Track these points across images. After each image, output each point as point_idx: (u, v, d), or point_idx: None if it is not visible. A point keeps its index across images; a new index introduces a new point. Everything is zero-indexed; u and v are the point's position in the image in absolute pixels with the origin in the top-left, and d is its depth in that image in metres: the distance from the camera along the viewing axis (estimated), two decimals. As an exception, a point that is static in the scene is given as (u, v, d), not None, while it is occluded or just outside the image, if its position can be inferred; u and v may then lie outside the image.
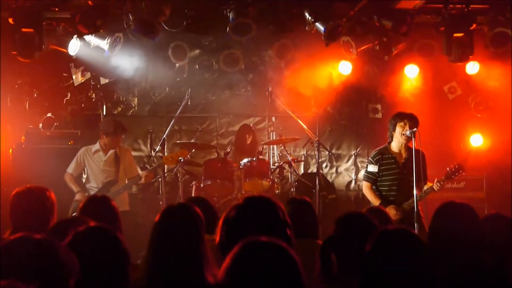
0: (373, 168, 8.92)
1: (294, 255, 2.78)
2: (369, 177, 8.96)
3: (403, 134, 8.58)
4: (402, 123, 8.64)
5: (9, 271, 2.81)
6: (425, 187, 8.59)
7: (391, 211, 8.44)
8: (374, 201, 8.81)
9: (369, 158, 9.11)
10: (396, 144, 8.81)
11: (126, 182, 10.33)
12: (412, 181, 8.34)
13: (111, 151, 10.17)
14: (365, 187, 9.06)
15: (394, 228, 3.54)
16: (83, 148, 10.32)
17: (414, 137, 8.37)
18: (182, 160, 10.46)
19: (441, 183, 8.51)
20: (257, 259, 2.71)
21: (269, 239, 2.79)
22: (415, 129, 8.40)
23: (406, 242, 3.40)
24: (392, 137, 8.82)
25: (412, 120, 8.61)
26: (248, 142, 11.73)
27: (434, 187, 8.51)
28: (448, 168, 8.59)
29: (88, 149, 10.27)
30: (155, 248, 4.06)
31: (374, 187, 8.91)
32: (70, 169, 10.19)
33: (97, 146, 10.24)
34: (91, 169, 10.18)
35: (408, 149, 8.66)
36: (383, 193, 8.84)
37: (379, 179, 8.88)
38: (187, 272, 3.91)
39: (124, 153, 10.41)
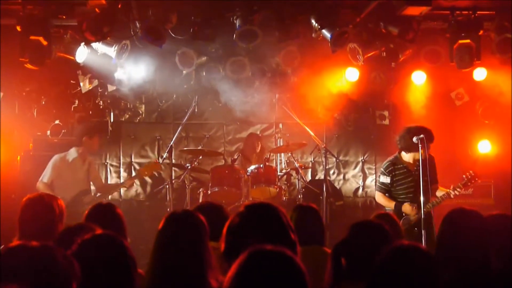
0: (385, 179, 9.07)
1: (300, 264, 2.77)
2: (382, 187, 9.13)
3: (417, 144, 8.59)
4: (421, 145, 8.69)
5: (7, 279, 2.82)
6: (439, 194, 8.75)
7: (407, 208, 8.76)
8: (389, 204, 8.98)
9: (381, 169, 9.24)
10: (408, 155, 8.88)
11: (97, 194, 10.33)
12: (425, 186, 8.42)
13: (86, 161, 10.21)
14: (378, 196, 9.22)
15: (407, 245, 3.56)
16: (56, 156, 10.20)
17: (421, 144, 8.39)
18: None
19: (458, 190, 8.62)
20: (262, 268, 2.70)
21: (274, 248, 2.78)
22: (421, 135, 8.41)
23: (416, 260, 3.44)
24: (401, 148, 8.88)
25: (429, 139, 8.62)
26: (258, 150, 11.75)
27: (451, 194, 8.66)
28: (464, 176, 8.76)
29: (63, 158, 10.18)
30: (158, 254, 4.08)
31: (387, 195, 9.05)
32: (46, 178, 10.02)
33: (73, 154, 10.19)
34: (63, 178, 10.05)
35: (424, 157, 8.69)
36: (398, 200, 8.98)
37: (393, 189, 9.03)
38: (190, 278, 3.92)
39: (94, 164, 10.54)
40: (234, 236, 3.64)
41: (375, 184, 12.74)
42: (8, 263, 2.91)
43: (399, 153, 9.04)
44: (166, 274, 3.97)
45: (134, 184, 12.21)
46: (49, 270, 2.92)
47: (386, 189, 9.07)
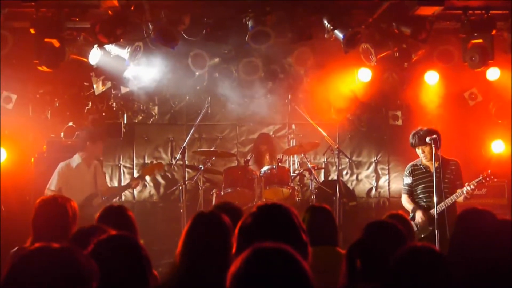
0: (407, 180, 9.35)
1: (302, 260, 2.79)
2: (405, 188, 9.40)
3: (425, 158, 8.95)
4: (420, 151, 8.92)
5: (30, 282, 2.84)
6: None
7: (418, 214, 9.01)
8: (409, 208, 9.23)
9: (404, 172, 9.51)
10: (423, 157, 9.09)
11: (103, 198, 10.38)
12: (446, 188, 8.72)
13: (92, 165, 10.26)
14: (403, 198, 9.49)
15: (419, 246, 3.58)
16: (62, 164, 10.23)
17: (434, 144, 8.51)
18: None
19: (472, 186, 8.68)
20: (264, 265, 2.72)
21: (276, 245, 2.81)
22: (434, 135, 8.52)
23: (430, 262, 3.46)
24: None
25: (427, 143, 8.85)
26: (263, 152, 11.68)
27: (463, 190, 8.76)
28: (481, 175, 8.82)
29: (68, 165, 10.22)
30: (186, 255, 4.11)
31: (411, 198, 9.29)
32: (53, 185, 10.05)
33: (77, 160, 10.23)
34: (70, 185, 10.08)
35: (438, 158, 8.81)
36: (419, 201, 9.19)
37: (414, 188, 9.24)
38: (218, 279, 3.93)
39: (99, 168, 10.59)
40: (246, 237, 3.64)
41: (388, 184, 12.79)
42: (31, 265, 2.93)
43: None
44: (194, 275, 3.99)
45: (147, 185, 12.26)
46: (71, 271, 2.93)
47: (409, 190, 9.31)
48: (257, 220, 3.69)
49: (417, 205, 9.09)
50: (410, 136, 9.12)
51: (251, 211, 3.79)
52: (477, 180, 8.79)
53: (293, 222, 3.73)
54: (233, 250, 3.68)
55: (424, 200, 9.07)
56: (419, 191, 9.17)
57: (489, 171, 8.85)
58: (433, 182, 8.74)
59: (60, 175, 10.08)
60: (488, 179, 8.84)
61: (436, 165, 8.75)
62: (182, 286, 4.04)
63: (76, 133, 11.37)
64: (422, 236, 8.87)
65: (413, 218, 8.97)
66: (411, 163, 9.38)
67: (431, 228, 8.63)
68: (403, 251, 3.55)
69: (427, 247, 3.59)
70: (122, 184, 12.50)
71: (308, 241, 3.71)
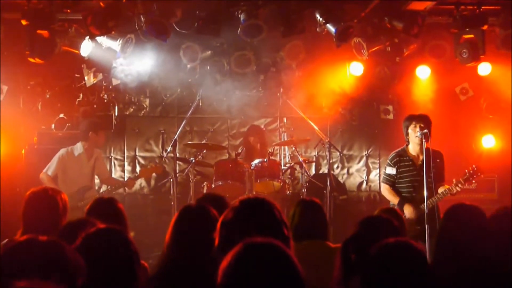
0: (391, 171, 9.03)
1: (291, 255, 2.81)
2: (388, 179, 9.08)
3: (417, 137, 8.62)
4: (412, 126, 8.74)
5: (17, 273, 2.83)
6: (441, 190, 8.70)
7: (408, 209, 8.70)
8: (393, 199, 8.95)
9: (388, 161, 9.20)
10: (413, 147, 8.91)
11: (108, 187, 10.45)
12: (430, 183, 8.45)
13: (93, 158, 10.28)
14: (384, 189, 9.18)
15: (394, 241, 3.56)
16: (63, 150, 10.28)
17: (425, 138, 8.42)
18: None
19: (460, 186, 8.57)
20: (255, 260, 2.74)
21: (266, 240, 2.84)
22: (425, 130, 8.46)
23: (406, 256, 3.47)
24: (408, 140, 8.90)
25: (422, 121, 8.69)
26: (253, 144, 11.66)
27: (452, 190, 8.56)
28: (466, 170, 8.69)
29: (69, 152, 10.25)
30: (173, 248, 4.13)
31: (393, 189, 9.01)
32: (50, 171, 10.09)
33: (79, 149, 10.25)
34: (67, 173, 10.14)
35: (427, 151, 8.68)
36: (402, 195, 8.95)
37: (397, 181, 9.00)
38: (203, 271, 3.94)
39: (101, 157, 10.65)
40: (227, 231, 3.64)
41: (379, 178, 12.78)
42: (18, 258, 2.92)
43: (407, 145, 9.03)
44: (180, 267, 4.02)
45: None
46: (59, 265, 2.94)
47: (392, 181, 9.02)
48: (239, 214, 3.70)
49: (403, 199, 8.82)
50: (407, 119, 8.96)
51: (233, 206, 3.80)
52: (463, 178, 8.65)
53: (275, 216, 3.74)
54: (215, 244, 3.69)
55: (407, 194, 8.88)
56: (402, 184, 8.95)
57: (474, 166, 8.69)
58: (419, 176, 8.68)
59: (60, 160, 10.12)
60: (475, 175, 8.69)
61: (422, 158, 8.71)
62: (170, 277, 4.05)
63: (68, 124, 11.37)
64: (419, 227, 8.43)
65: None
66: (395, 153, 9.10)
67: (419, 227, 8.42)
68: (377, 248, 3.54)
69: (403, 242, 3.58)
70: (113, 175, 12.50)
71: (290, 236, 3.72)
